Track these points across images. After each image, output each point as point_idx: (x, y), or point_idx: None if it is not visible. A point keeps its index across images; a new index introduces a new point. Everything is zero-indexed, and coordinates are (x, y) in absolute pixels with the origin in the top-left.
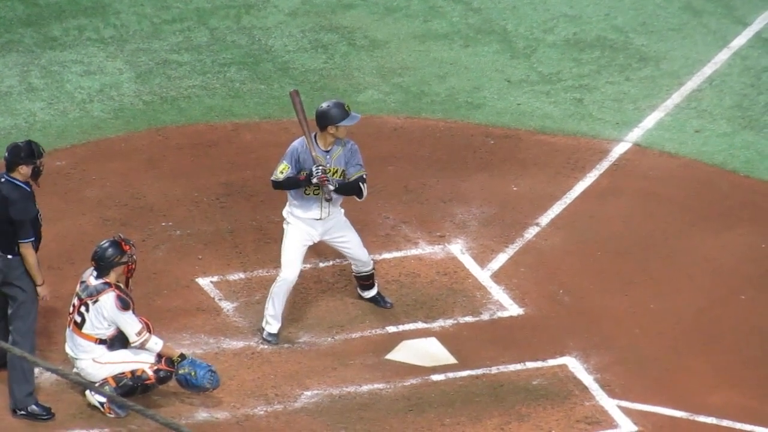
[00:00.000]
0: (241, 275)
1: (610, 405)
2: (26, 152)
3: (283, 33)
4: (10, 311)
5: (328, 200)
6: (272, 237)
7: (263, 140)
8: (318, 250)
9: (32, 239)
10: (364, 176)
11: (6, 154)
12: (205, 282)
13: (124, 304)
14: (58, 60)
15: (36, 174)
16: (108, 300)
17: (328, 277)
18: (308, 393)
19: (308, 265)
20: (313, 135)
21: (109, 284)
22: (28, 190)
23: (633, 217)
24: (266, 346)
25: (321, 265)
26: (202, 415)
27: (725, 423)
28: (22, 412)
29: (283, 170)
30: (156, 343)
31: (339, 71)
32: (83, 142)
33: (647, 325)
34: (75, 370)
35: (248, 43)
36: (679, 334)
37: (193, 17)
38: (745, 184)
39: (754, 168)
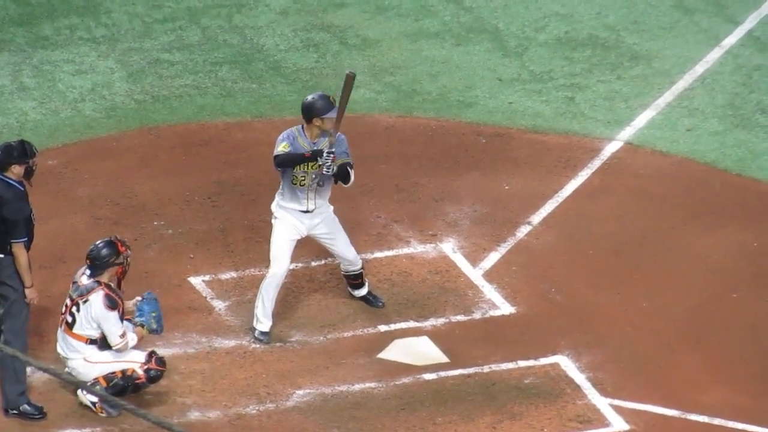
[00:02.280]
0: (233, 274)
1: (602, 403)
2: (19, 152)
3: (274, 32)
4: (1, 310)
5: (320, 182)
6: (264, 236)
7: (255, 139)
8: (310, 249)
9: (25, 239)
10: (351, 163)
11: None
12: (196, 281)
13: (112, 304)
14: (50, 59)
15: (29, 173)
16: (97, 298)
17: (319, 276)
18: (300, 392)
19: (300, 264)
20: (300, 127)
21: (99, 283)
22: (22, 189)
23: (625, 215)
24: (258, 345)
25: (313, 264)
26: (194, 414)
27: (717, 421)
28: (14, 412)
29: (284, 147)
30: (133, 339)
31: (330, 70)
32: (75, 141)
33: (639, 324)
34: (67, 369)
35: (240, 42)
36: (671, 332)
37: (185, 16)
38: (737, 183)
39: (746, 166)
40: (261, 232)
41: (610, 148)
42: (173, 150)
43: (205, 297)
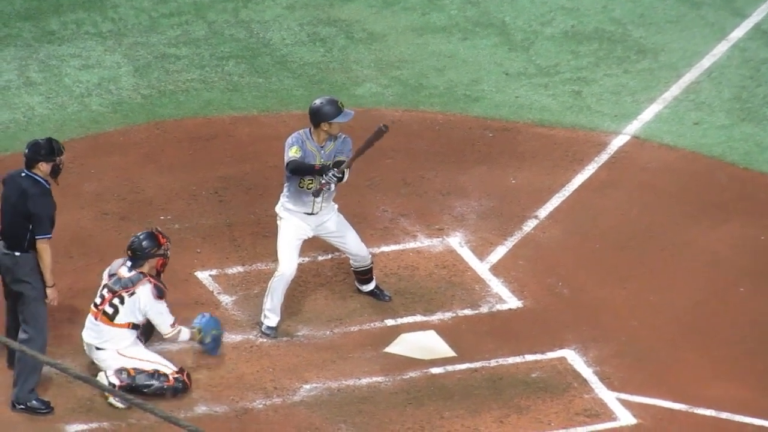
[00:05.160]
0: (240, 269)
1: (609, 397)
2: (46, 149)
3: (281, 26)
4: (20, 308)
5: (316, 193)
6: (270, 230)
7: (261, 134)
8: (316, 244)
9: (49, 236)
10: (349, 163)
11: (26, 150)
12: (203, 275)
13: (160, 293)
14: (57, 54)
15: (56, 171)
16: (144, 290)
17: (326, 271)
18: (307, 386)
19: (307, 259)
20: (307, 130)
21: (143, 274)
22: (47, 186)
23: (631, 209)
24: (265, 340)
25: (320, 258)
26: (201, 408)
27: (724, 415)
28: (21, 407)
29: (295, 152)
30: (184, 334)
31: (337, 64)
32: (81, 136)
33: (646, 318)
34: (94, 357)
35: (246, 37)
36: (677, 327)
37: (191, 11)
38: (744, 177)
39: (753, 160)
40: (268, 226)
41: (617, 142)
42: (180, 145)
43: (212, 292)
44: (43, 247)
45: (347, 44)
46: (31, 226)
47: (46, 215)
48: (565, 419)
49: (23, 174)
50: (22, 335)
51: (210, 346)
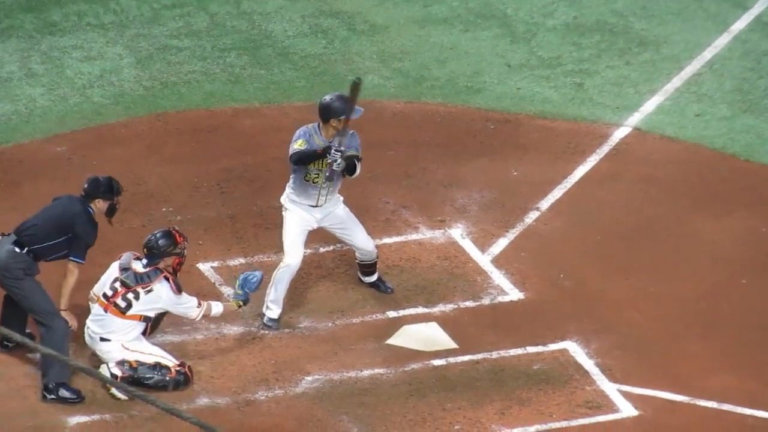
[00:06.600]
0: (242, 260)
1: (610, 389)
2: (106, 188)
3: (283, 18)
4: (24, 306)
5: (329, 177)
6: (272, 222)
7: (263, 125)
8: (318, 236)
9: (83, 262)
10: (360, 157)
11: (85, 185)
12: (205, 267)
13: (179, 287)
14: (59, 45)
15: (111, 210)
16: (163, 289)
17: (328, 263)
18: (309, 378)
19: (309, 251)
20: (316, 125)
21: (160, 270)
22: (94, 220)
23: (633, 201)
24: (267, 332)
25: (321, 250)
26: (203, 400)
27: (725, 407)
28: (52, 396)
29: (300, 144)
30: (216, 306)
31: (339, 56)
32: (83, 127)
33: (648, 310)
34: (97, 348)
35: (248, 28)
36: (679, 319)
37: (193, 2)
38: (746, 168)
39: (755, 152)
40: (270, 218)
41: (619, 134)
42: (182, 136)
43: (214, 283)
44: (73, 270)
45: (349, 36)
46: (61, 239)
47: (85, 242)
48: (567, 411)
49: (81, 199)
50: (40, 329)
51: (244, 294)
